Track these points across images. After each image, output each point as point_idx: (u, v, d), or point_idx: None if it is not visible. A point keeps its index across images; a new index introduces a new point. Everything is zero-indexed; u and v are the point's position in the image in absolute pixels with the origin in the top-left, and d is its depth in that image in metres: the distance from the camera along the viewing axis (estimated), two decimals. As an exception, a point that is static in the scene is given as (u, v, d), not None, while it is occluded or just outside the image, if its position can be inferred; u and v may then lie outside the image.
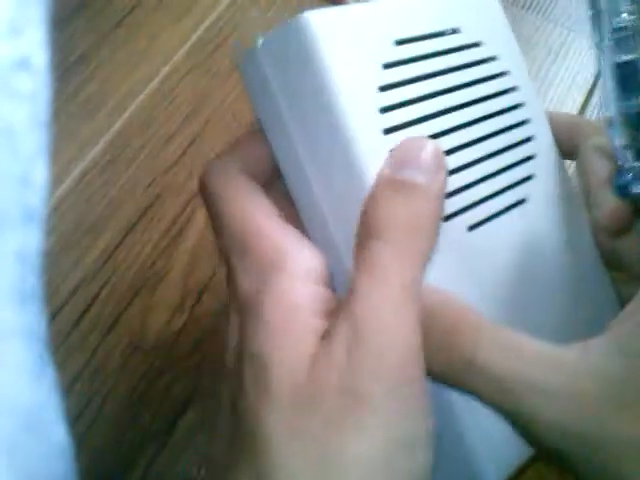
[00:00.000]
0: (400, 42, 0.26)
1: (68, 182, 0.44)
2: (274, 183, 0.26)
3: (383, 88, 0.25)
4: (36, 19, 0.15)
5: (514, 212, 0.28)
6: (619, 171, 0.29)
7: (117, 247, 0.43)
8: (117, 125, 0.46)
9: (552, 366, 0.21)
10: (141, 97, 0.48)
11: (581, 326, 0.29)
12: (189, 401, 0.38)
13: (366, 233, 0.22)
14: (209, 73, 0.49)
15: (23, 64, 0.15)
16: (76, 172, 0.44)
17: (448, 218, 0.25)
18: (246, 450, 0.21)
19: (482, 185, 0.27)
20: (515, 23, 0.52)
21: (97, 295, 0.41)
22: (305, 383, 0.21)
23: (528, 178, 0.29)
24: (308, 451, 0.20)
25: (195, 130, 0.47)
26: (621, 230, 0.30)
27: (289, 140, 0.25)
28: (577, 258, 0.30)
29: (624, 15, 0.28)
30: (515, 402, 0.21)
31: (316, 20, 0.23)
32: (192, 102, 0.48)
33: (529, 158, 0.29)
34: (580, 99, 0.50)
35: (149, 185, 0.45)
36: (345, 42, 0.24)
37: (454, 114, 0.27)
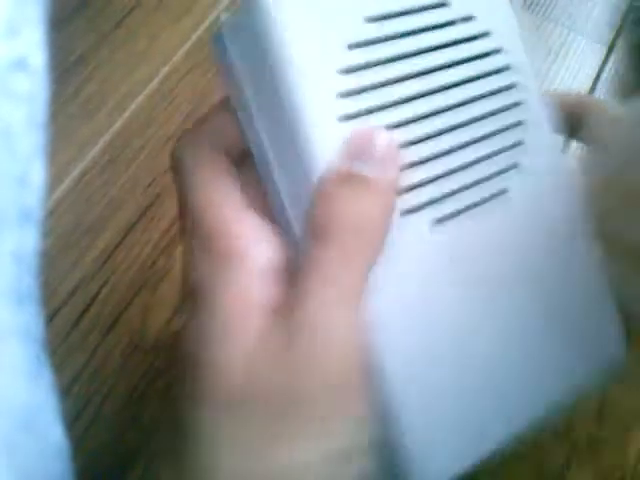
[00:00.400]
0: (371, 19, 0.24)
1: (67, 182, 0.44)
2: (247, 158, 0.25)
3: (345, 71, 0.23)
4: (34, 19, 0.15)
5: (491, 205, 0.25)
6: None
7: (117, 247, 0.43)
8: (117, 125, 0.46)
9: None
10: (141, 97, 0.48)
11: (572, 360, 0.27)
12: (189, 401, 0.38)
13: (312, 232, 0.22)
14: (209, 73, 0.49)
15: (21, 64, 0.15)
16: (76, 172, 0.44)
17: (411, 212, 0.24)
18: (184, 451, 0.20)
19: (457, 175, 0.25)
20: (515, 23, 0.53)
21: (97, 295, 0.41)
22: (240, 385, 0.20)
23: (512, 166, 0.26)
24: (240, 458, 0.20)
25: (195, 130, 0.47)
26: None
27: (252, 121, 0.24)
28: (570, 270, 0.27)
29: None
30: None
31: None
32: (192, 102, 0.48)
33: (516, 145, 0.26)
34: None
35: (149, 185, 0.45)
36: (303, 19, 0.22)
37: (426, 99, 0.24)
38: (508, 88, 0.26)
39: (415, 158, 0.24)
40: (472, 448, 0.24)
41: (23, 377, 0.14)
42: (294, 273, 0.22)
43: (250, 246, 0.22)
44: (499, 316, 0.25)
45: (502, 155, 0.26)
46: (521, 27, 0.28)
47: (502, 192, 0.26)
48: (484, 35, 0.26)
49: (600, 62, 0.52)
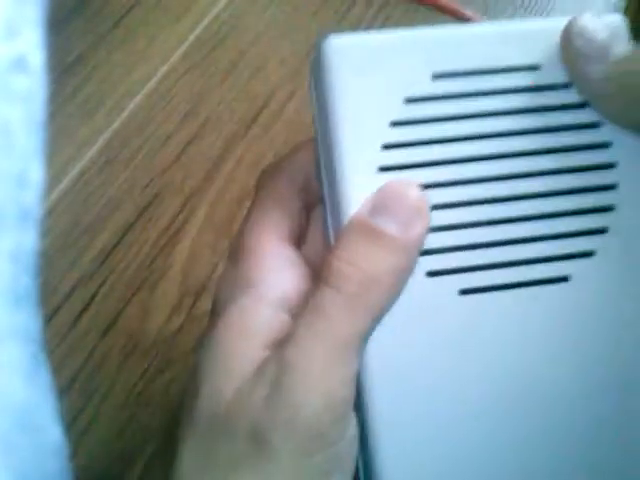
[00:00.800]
0: (440, 75, 0.23)
1: (66, 182, 0.44)
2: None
3: (396, 123, 0.22)
4: (33, 19, 0.15)
5: (546, 290, 0.23)
6: None
7: (115, 247, 0.43)
8: (115, 125, 0.46)
9: None
10: (139, 97, 0.48)
11: None
12: (187, 401, 0.38)
13: (324, 277, 0.22)
14: (207, 73, 0.49)
15: (20, 64, 0.15)
16: (74, 172, 0.44)
17: (438, 274, 0.23)
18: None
19: (507, 249, 0.23)
20: (513, 23, 0.53)
21: (95, 295, 0.41)
22: (223, 416, 0.21)
23: (586, 254, 0.23)
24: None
25: (193, 130, 0.47)
26: None
27: (317, 150, 0.24)
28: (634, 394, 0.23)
29: None
30: None
31: (336, 44, 0.22)
32: (190, 102, 0.48)
33: (596, 231, 0.23)
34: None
35: (147, 185, 0.45)
36: (364, 70, 0.22)
37: (488, 164, 0.23)
38: (600, 166, 0.23)
39: (460, 221, 0.23)
40: None
41: (21, 377, 0.14)
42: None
43: (270, 274, 0.22)
44: (518, 420, 0.23)
45: (571, 240, 0.23)
46: None
47: (562, 279, 0.23)
48: (580, 106, 0.23)
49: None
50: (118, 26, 0.50)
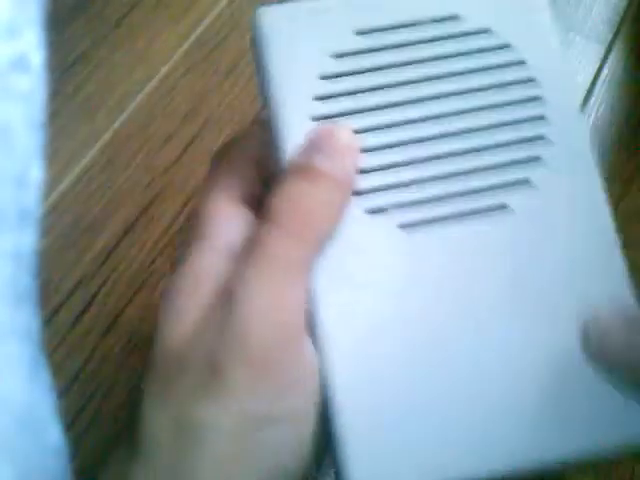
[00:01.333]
0: (361, 32, 0.25)
1: (67, 182, 0.44)
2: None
3: (326, 77, 0.25)
4: (34, 19, 0.15)
5: (485, 221, 0.24)
6: None
7: (116, 246, 0.43)
8: (116, 125, 0.46)
9: None
10: (140, 97, 0.48)
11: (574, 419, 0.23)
12: (188, 400, 0.38)
13: (265, 216, 0.23)
14: (208, 73, 0.49)
15: (21, 64, 0.15)
16: (75, 172, 0.44)
17: (377, 212, 0.24)
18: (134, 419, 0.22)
19: (441, 183, 0.24)
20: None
21: (96, 294, 0.41)
22: (179, 353, 0.22)
23: (521, 182, 0.25)
24: (171, 418, 0.21)
25: (194, 130, 0.47)
26: None
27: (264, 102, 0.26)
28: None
29: None
30: None
31: (266, 15, 0.25)
32: (191, 102, 0.48)
33: (530, 160, 0.25)
34: (579, 98, 0.50)
35: (148, 185, 0.45)
36: (292, 34, 0.25)
37: (419, 106, 0.25)
38: (527, 100, 0.25)
39: (395, 160, 0.24)
40: (421, 473, 0.23)
41: (21, 377, 0.14)
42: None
43: (219, 226, 0.24)
44: (478, 346, 0.23)
45: (506, 169, 0.25)
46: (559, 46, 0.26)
47: (500, 207, 0.24)
48: (502, 47, 0.26)
49: (599, 62, 0.52)
50: (119, 26, 0.50)
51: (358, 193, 0.24)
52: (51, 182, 0.44)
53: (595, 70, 0.51)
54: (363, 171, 0.24)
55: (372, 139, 0.25)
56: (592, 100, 0.50)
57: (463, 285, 0.24)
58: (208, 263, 0.23)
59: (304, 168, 0.23)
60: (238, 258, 0.23)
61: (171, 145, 0.46)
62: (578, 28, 0.53)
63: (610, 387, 0.23)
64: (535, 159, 0.25)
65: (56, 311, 0.40)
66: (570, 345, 0.23)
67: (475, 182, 0.24)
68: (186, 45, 0.50)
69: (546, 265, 0.24)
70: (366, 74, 0.25)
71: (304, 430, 0.22)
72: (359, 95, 0.25)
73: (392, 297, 0.24)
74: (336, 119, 0.25)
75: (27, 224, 0.14)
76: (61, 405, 0.16)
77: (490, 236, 0.24)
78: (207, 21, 0.51)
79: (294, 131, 0.24)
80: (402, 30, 0.26)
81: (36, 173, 0.14)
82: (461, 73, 0.25)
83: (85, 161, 0.45)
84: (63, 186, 0.44)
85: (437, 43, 0.26)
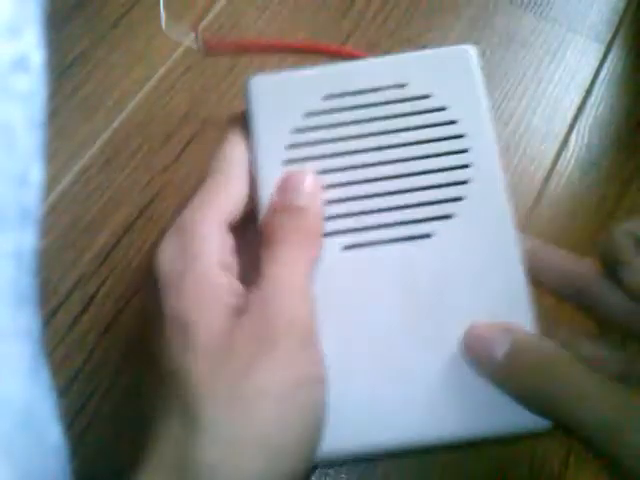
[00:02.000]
0: (328, 97, 0.32)
1: (66, 181, 0.44)
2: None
3: (296, 130, 0.32)
4: (34, 19, 0.15)
5: (414, 245, 0.30)
6: None
7: (115, 246, 0.43)
8: (115, 124, 0.46)
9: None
10: (139, 96, 0.48)
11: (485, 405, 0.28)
12: (187, 400, 0.38)
13: (269, 238, 0.29)
14: (206, 72, 0.49)
15: (21, 64, 0.15)
16: (74, 171, 0.44)
17: (326, 235, 0.30)
18: (172, 393, 0.26)
19: (381, 215, 0.31)
20: (512, 22, 0.53)
21: (95, 295, 0.41)
22: (222, 335, 0.26)
23: (446, 217, 0.30)
24: (225, 385, 0.25)
25: (192, 129, 0.47)
26: None
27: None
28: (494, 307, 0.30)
29: None
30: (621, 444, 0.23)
31: (255, 80, 0.33)
32: (189, 101, 0.48)
33: (454, 199, 0.31)
34: (578, 99, 0.50)
35: (147, 184, 0.45)
36: (274, 96, 0.33)
37: (366, 155, 0.31)
38: (456, 152, 0.31)
39: (345, 195, 0.31)
40: (375, 435, 0.28)
41: (21, 377, 0.14)
42: (255, 270, 0.28)
43: (212, 244, 0.28)
44: (413, 335, 0.29)
45: (433, 206, 0.31)
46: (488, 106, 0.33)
47: (425, 236, 0.30)
48: (439, 110, 0.32)
49: (598, 61, 0.52)
50: (118, 26, 0.50)
51: None
52: (50, 182, 0.44)
53: (594, 69, 0.51)
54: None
55: (329, 178, 0.31)
56: (591, 99, 0.50)
57: (393, 293, 0.30)
58: (215, 275, 0.28)
59: (285, 204, 0.30)
60: (261, 269, 0.28)
61: (170, 144, 0.46)
62: (577, 27, 0.53)
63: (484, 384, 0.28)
64: (458, 199, 0.31)
65: (55, 311, 0.40)
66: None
67: (409, 214, 0.31)
68: (185, 44, 0.50)
69: (458, 281, 0.30)
70: (328, 129, 0.32)
71: (324, 395, 0.27)
72: (322, 145, 0.32)
73: (338, 302, 0.30)
74: (302, 163, 0.31)
75: (28, 223, 0.14)
76: (60, 405, 0.16)
77: (416, 257, 0.30)
78: (206, 21, 0.51)
79: (268, 172, 0.31)
80: (359, 95, 0.32)
81: (36, 173, 0.14)
82: (405, 129, 0.32)
83: (83, 161, 0.45)
84: (62, 186, 0.44)
85: (386, 106, 0.32)
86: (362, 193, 0.31)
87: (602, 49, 0.52)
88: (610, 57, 0.52)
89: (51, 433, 0.15)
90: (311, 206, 0.30)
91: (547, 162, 0.47)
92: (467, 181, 0.31)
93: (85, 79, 0.48)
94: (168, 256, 0.28)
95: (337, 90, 0.33)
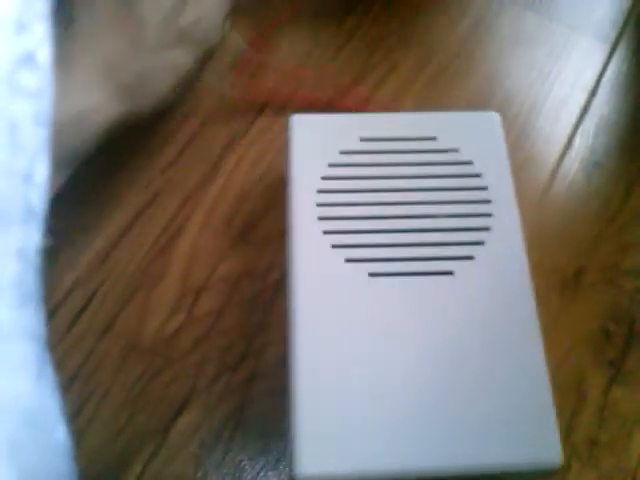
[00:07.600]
0: (364, 139, 0.36)
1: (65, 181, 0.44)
2: None
3: (332, 165, 0.36)
4: (41, 15, 0.15)
5: (436, 280, 0.33)
6: None
7: (114, 246, 0.42)
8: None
9: None
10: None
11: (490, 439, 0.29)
12: (186, 401, 0.38)
13: None
14: (207, 71, 0.49)
15: (28, 60, 0.14)
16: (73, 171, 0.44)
17: (355, 261, 0.33)
18: None
19: (406, 249, 0.33)
20: (517, 22, 0.52)
21: (94, 294, 0.41)
22: None
23: (468, 258, 0.33)
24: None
25: (192, 129, 0.47)
26: None
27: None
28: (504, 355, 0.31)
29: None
30: None
31: (298, 118, 0.37)
32: (190, 101, 0.48)
33: (476, 243, 0.34)
34: (583, 99, 0.50)
35: (146, 185, 0.45)
36: (313, 134, 0.36)
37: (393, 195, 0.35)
38: (479, 202, 0.35)
39: (375, 227, 0.34)
40: (356, 463, 0.29)
41: (27, 376, 0.14)
42: None
43: None
44: (413, 368, 0.31)
45: (456, 247, 0.34)
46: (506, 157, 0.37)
47: (448, 273, 0.33)
48: (466, 163, 0.36)
49: (603, 61, 0.52)
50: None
51: (343, 246, 0.33)
52: (49, 181, 0.44)
53: (599, 70, 0.51)
54: (349, 232, 0.34)
55: (361, 210, 0.34)
56: (596, 100, 0.50)
57: (407, 322, 0.31)
58: None
59: None
60: None
61: (170, 144, 0.46)
62: (582, 28, 0.53)
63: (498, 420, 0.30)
64: (480, 242, 0.34)
65: (54, 311, 0.40)
66: (476, 380, 0.31)
67: (434, 251, 0.33)
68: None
69: (475, 321, 0.32)
70: (362, 167, 0.35)
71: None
72: (353, 180, 0.35)
73: (354, 324, 0.31)
74: (334, 194, 0.35)
75: (32, 221, 0.14)
76: (60, 405, 0.16)
77: (437, 291, 0.32)
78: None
79: (303, 197, 0.34)
80: (392, 142, 0.36)
81: (42, 170, 0.14)
82: (434, 176, 0.35)
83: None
84: (61, 186, 0.43)
85: (418, 154, 0.36)
86: (390, 227, 0.34)
87: (607, 49, 0.52)
88: (615, 58, 0.52)
89: (57, 432, 0.15)
90: None
91: (551, 163, 0.47)
92: (488, 228, 0.34)
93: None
94: None
95: (373, 134, 0.36)
